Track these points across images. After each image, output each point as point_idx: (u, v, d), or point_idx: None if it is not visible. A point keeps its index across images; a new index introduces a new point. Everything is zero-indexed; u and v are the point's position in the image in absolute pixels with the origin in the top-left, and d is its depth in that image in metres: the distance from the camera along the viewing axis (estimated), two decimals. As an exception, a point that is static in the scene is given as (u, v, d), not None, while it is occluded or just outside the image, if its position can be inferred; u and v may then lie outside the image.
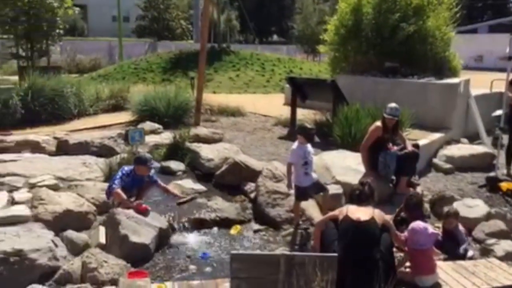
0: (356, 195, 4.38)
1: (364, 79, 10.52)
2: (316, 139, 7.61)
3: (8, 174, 6.25)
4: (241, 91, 16.86)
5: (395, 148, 6.34)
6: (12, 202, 5.32)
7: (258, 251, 5.01)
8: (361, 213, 4.17)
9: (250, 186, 6.57)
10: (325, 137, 8.54)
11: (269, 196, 5.99)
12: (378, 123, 6.27)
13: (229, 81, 17.79)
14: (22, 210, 5.00)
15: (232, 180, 6.81)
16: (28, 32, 12.14)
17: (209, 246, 5.25)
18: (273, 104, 13.23)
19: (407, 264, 4.49)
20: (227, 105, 12.04)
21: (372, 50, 10.94)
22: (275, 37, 61.01)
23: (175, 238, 5.35)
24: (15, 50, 12.67)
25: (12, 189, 5.77)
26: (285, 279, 3.12)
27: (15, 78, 12.75)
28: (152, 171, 5.78)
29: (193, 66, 16.49)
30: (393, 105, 6.18)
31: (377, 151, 6.24)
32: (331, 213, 4.47)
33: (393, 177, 6.38)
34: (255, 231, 5.64)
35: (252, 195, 6.37)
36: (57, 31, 12.72)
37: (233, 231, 5.63)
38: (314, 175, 5.56)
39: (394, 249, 4.45)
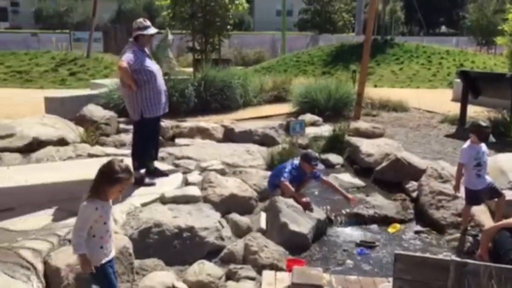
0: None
1: (552, 74, 9.27)
2: (491, 139, 6.95)
3: (183, 157, 6.89)
4: (404, 85, 16.18)
5: None
6: (186, 183, 5.83)
7: (420, 254, 4.74)
8: (545, 224, 3.69)
9: (412, 184, 6.27)
10: (501, 137, 7.83)
11: (433, 197, 5.64)
12: None
13: (391, 75, 17.18)
14: (194, 190, 5.43)
15: (392, 177, 6.57)
16: (203, 27, 13.12)
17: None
18: (440, 100, 12.46)
19: None
20: (389, 99, 11.67)
21: None
22: (443, 28, 57.19)
23: (332, 231, 5.35)
24: (191, 44, 13.79)
25: (186, 171, 6.32)
26: (455, 287, 2.89)
27: (190, 70, 13.90)
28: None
29: (354, 59, 16.28)
30: None
31: None
32: (505, 221, 4.05)
33: None
34: (416, 232, 5.36)
35: (414, 194, 6.08)
36: (228, 26, 13.53)
37: (391, 229, 5.43)
38: (488, 178, 5.07)
39: None
